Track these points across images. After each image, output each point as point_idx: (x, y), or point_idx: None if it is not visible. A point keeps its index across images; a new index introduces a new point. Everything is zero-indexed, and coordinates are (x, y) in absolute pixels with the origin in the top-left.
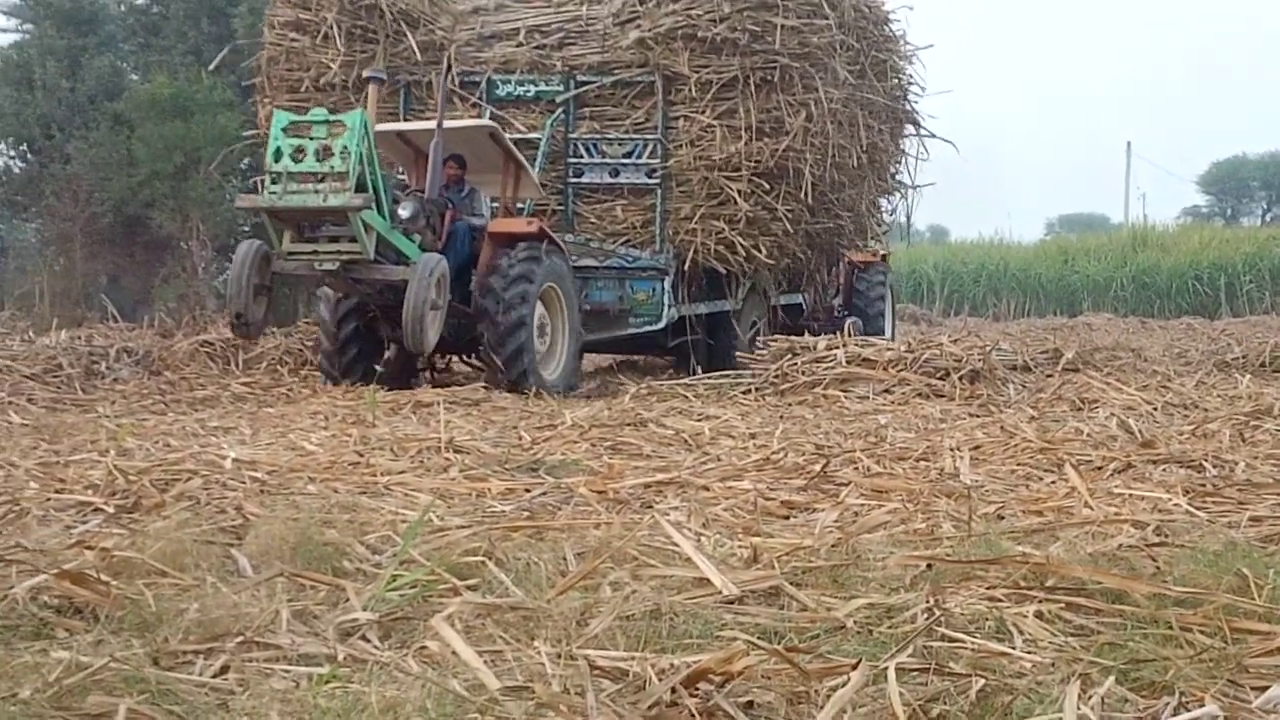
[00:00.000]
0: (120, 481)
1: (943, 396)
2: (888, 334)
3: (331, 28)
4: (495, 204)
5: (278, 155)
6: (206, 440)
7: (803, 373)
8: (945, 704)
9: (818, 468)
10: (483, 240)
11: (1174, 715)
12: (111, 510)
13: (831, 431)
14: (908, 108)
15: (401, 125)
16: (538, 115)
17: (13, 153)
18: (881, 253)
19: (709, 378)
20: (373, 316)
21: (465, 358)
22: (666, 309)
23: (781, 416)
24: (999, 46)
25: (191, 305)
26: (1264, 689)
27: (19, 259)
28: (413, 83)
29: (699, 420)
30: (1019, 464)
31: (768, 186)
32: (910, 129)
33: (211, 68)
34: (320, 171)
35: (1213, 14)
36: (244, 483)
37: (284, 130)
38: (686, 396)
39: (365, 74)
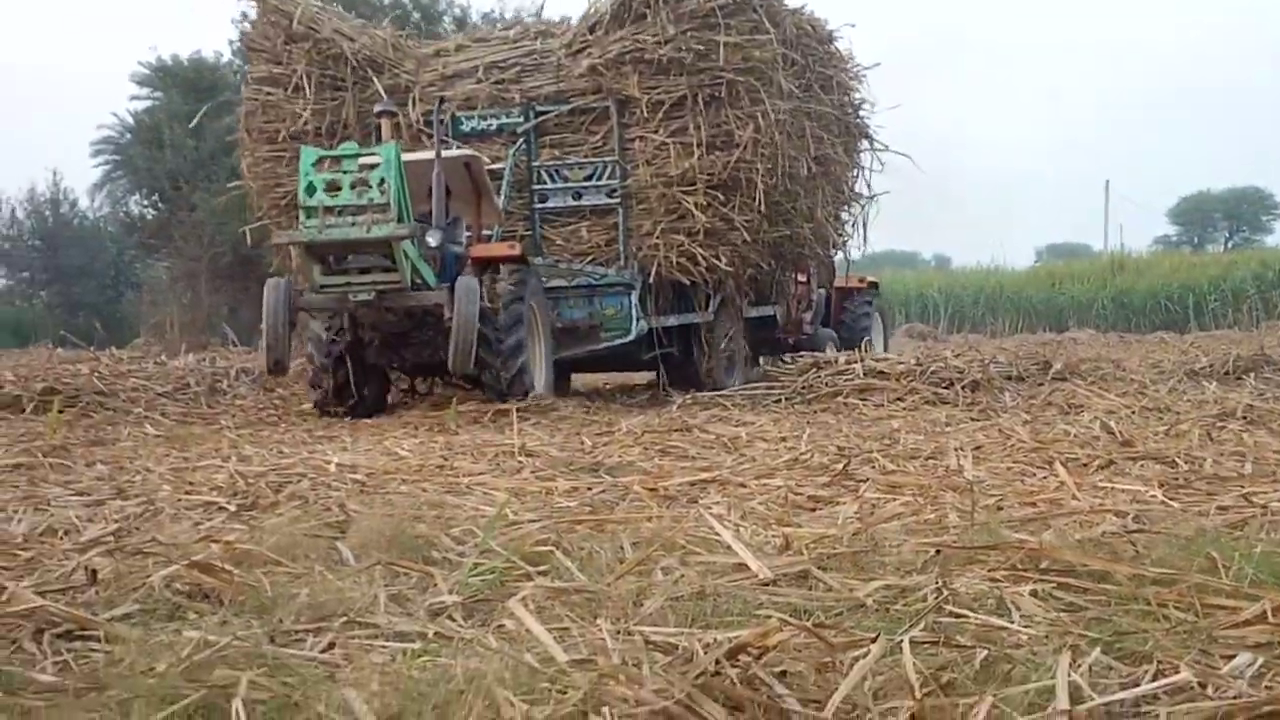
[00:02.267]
0: (240, 484)
1: (948, 404)
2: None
3: (302, 79)
4: (469, 232)
5: (310, 190)
6: (313, 448)
7: (826, 384)
8: (953, 672)
9: (840, 467)
10: (463, 266)
11: (1152, 681)
12: (233, 509)
13: (851, 435)
14: (859, 122)
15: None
16: (500, 147)
17: (145, 202)
18: (869, 279)
19: (744, 389)
20: (362, 352)
21: (442, 379)
22: (635, 322)
23: (808, 422)
24: (999, 96)
25: (299, 331)
26: (1231, 657)
27: (152, 294)
28: (386, 113)
29: (737, 426)
30: (1015, 462)
31: (723, 198)
32: (864, 143)
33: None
34: (358, 204)
35: (1176, 69)
36: (345, 484)
37: (313, 166)
38: (725, 406)
39: (377, 109)
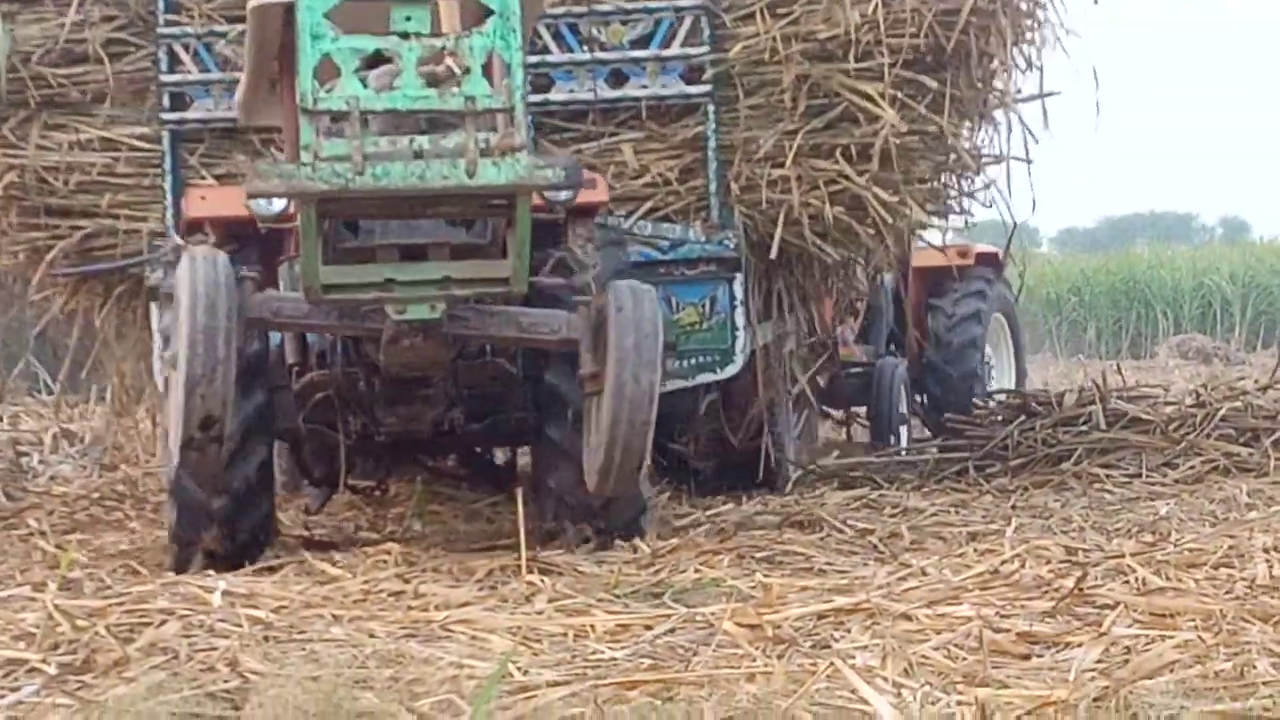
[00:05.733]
0: (65, 629)
1: (1250, 471)
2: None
3: None
4: None
5: (321, 74)
6: None
7: (1042, 441)
8: None
9: (1069, 583)
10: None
11: None
12: (54, 670)
13: (1088, 528)
14: None
15: None
16: None
17: None
18: (977, 249)
19: (906, 452)
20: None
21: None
22: (740, 337)
23: (1014, 507)
24: None
25: None
26: None
27: None
28: None
29: (893, 515)
30: None
31: (935, 85)
32: None
33: None
34: (442, 109)
35: None
36: (240, 626)
37: (328, 17)
38: (874, 480)
39: None
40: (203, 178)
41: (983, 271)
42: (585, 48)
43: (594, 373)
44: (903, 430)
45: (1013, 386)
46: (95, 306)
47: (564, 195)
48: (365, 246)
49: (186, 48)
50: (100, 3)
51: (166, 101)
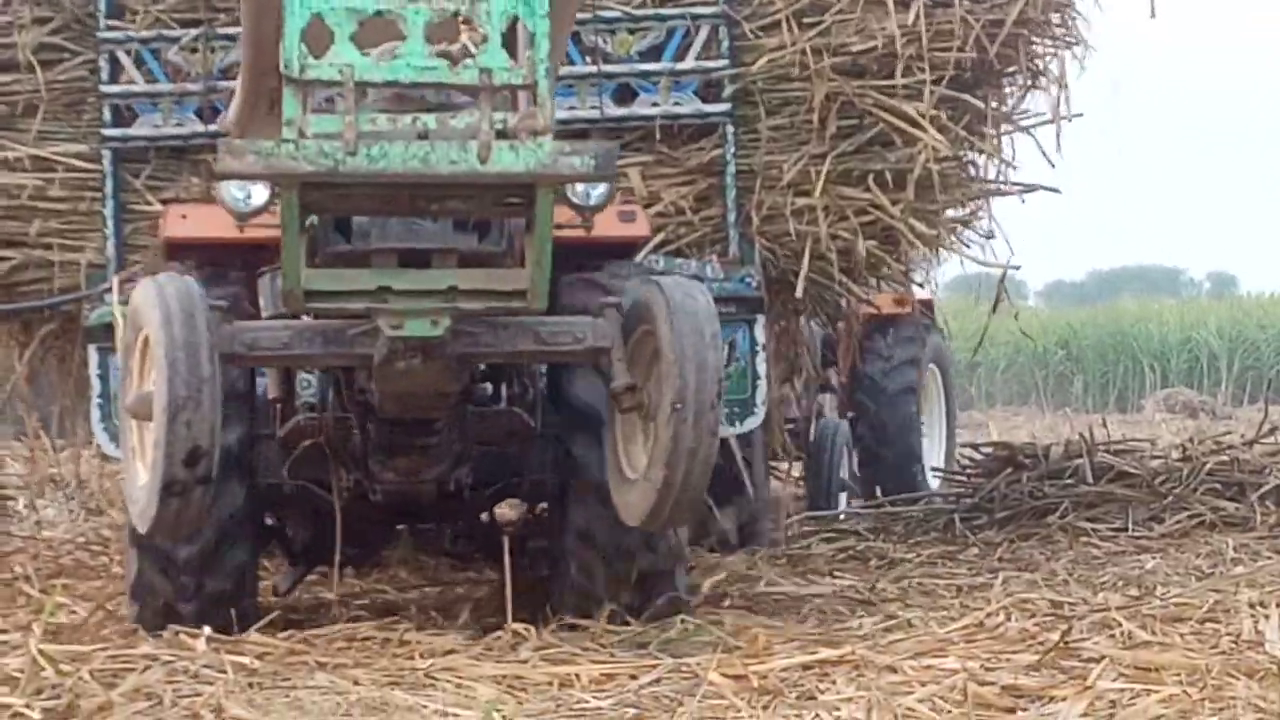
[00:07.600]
0: (48, 674)
1: (1236, 526)
2: (932, 459)
3: None
4: None
5: (309, 38)
6: None
7: (1029, 494)
8: None
9: (1055, 636)
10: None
11: None
12: (37, 716)
13: (1074, 581)
14: None
15: None
16: None
17: None
18: (918, 297)
19: (892, 503)
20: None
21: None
22: (763, 387)
23: (1000, 560)
24: None
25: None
26: None
27: None
28: None
29: (879, 566)
30: None
31: (978, 104)
32: None
33: None
34: (451, 82)
35: None
36: (224, 672)
37: None
38: (859, 532)
39: None
40: (148, 203)
41: (920, 320)
42: (588, 59)
43: (630, 385)
44: (843, 497)
45: (942, 445)
46: (15, 348)
47: (596, 194)
48: (358, 251)
49: (130, 54)
50: (31, 2)
51: (107, 115)
